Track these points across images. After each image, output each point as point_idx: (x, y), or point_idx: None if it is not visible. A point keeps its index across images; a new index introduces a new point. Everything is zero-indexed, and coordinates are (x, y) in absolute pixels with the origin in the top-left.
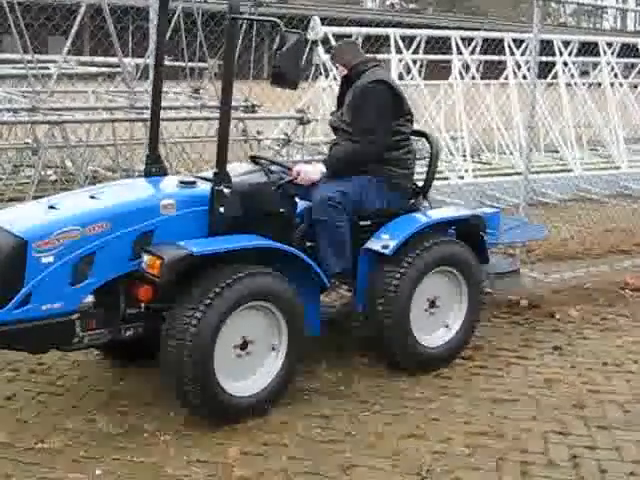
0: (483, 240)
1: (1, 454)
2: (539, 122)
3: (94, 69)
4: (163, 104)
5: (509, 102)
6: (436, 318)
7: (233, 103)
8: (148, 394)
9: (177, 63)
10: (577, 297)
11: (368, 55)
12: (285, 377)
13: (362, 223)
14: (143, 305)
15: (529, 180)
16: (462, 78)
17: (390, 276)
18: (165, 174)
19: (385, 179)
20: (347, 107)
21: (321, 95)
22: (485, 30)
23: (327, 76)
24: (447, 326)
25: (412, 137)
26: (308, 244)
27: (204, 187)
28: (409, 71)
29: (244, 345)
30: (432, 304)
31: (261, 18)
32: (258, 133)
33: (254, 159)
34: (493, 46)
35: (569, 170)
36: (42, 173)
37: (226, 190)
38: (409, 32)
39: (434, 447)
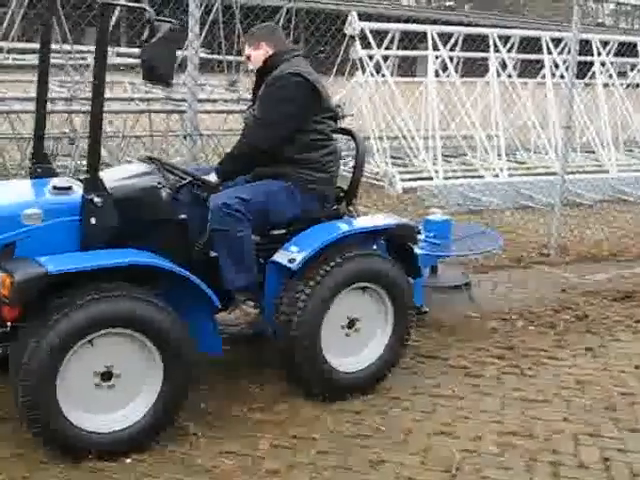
0: (413, 252)
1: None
2: (576, 122)
3: (131, 60)
4: (201, 96)
5: (546, 101)
6: (356, 340)
7: None
8: None
9: (214, 56)
10: (610, 299)
11: (291, 44)
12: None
13: (275, 232)
14: (9, 324)
15: (565, 180)
16: (499, 76)
17: (297, 294)
18: (53, 175)
19: (300, 184)
20: (258, 101)
21: (357, 90)
22: (522, 28)
23: (364, 71)
24: (369, 349)
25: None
26: (214, 254)
27: (79, 194)
28: (445, 68)
29: (106, 376)
30: (351, 325)
31: (130, 4)
32: None
33: (150, 160)
34: (531, 45)
35: (605, 171)
36: (78, 162)
37: (97, 199)
38: (446, 29)
39: (464, 445)
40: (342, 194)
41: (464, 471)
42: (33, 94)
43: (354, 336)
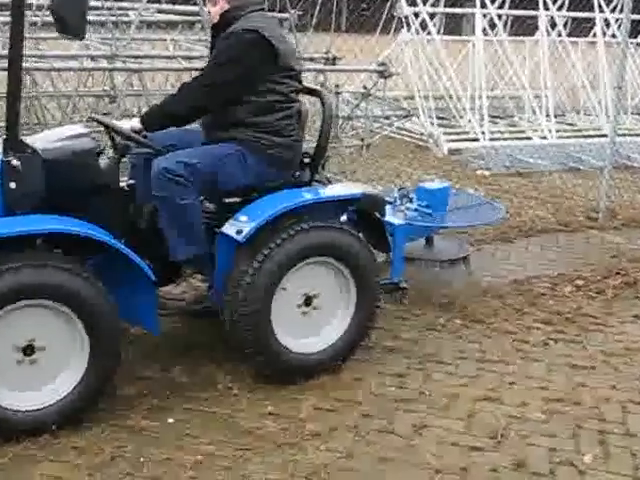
0: (381, 224)
1: None
2: (627, 83)
3: (174, 17)
4: None
5: (596, 61)
6: (315, 320)
7: (314, 55)
8: (220, 348)
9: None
10: None
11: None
12: None
13: (228, 200)
14: None
15: (615, 143)
16: (548, 35)
17: (244, 268)
18: None
19: (252, 148)
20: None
21: (402, 49)
22: None
23: (409, 29)
24: (330, 329)
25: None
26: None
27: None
28: (493, 26)
29: (28, 350)
30: (308, 302)
31: None
32: (337, 86)
33: (93, 121)
34: (582, 2)
35: None
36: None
37: (16, 162)
38: None
39: (509, 411)
40: (308, 160)
41: (509, 437)
42: (74, 51)
43: (312, 315)
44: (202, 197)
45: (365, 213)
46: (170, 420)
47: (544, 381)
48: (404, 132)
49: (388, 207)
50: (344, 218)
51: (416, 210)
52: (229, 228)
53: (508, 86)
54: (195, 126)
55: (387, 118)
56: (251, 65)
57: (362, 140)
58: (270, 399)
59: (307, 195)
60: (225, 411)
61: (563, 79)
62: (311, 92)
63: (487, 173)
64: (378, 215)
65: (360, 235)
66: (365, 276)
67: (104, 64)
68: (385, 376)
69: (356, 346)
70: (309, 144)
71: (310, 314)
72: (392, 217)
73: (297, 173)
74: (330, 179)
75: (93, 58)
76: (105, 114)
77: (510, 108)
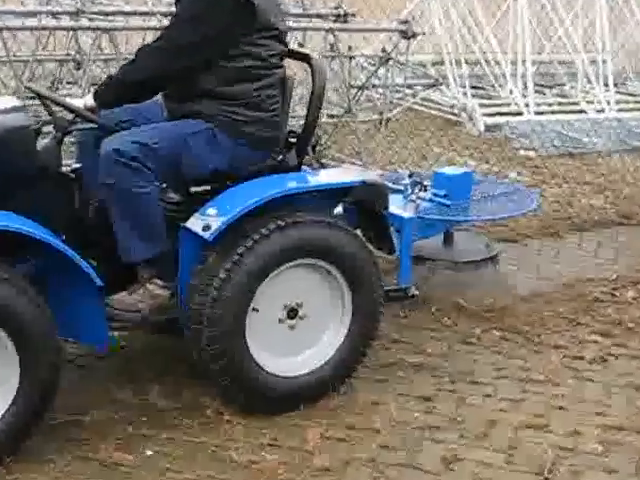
0: (384, 221)
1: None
2: None
3: None
4: None
5: None
6: (301, 336)
7: (321, 10)
8: None
9: None
10: None
11: None
12: None
13: (196, 190)
14: None
15: None
16: None
17: (212, 272)
18: None
19: (225, 125)
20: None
21: (430, 3)
22: None
23: None
24: (319, 347)
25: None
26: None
27: None
28: None
29: None
30: (293, 314)
31: None
32: (350, 49)
33: (31, 91)
34: None
35: None
36: (86, 91)
37: None
38: None
39: (559, 441)
40: (294, 140)
41: (559, 473)
42: (31, 7)
43: (298, 330)
44: (163, 185)
45: (365, 205)
46: (148, 452)
47: (601, 405)
48: (431, 104)
49: (398, 197)
50: (339, 211)
51: (431, 200)
52: (195, 223)
53: (557, 49)
54: (157, 99)
55: (410, 87)
56: (221, 23)
57: (380, 114)
58: (269, 427)
59: (292, 183)
60: (214, 441)
61: (624, 40)
62: (298, 56)
63: (532, 154)
64: (380, 208)
65: (357, 232)
66: (363, 282)
67: (68, 22)
68: (409, 399)
69: (353, 367)
70: (299, 121)
71: (295, 329)
72: (401, 209)
73: (280, 156)
74: (324, 163)
75: (55, 15)
76: (70, 83)
77: (560, 75)
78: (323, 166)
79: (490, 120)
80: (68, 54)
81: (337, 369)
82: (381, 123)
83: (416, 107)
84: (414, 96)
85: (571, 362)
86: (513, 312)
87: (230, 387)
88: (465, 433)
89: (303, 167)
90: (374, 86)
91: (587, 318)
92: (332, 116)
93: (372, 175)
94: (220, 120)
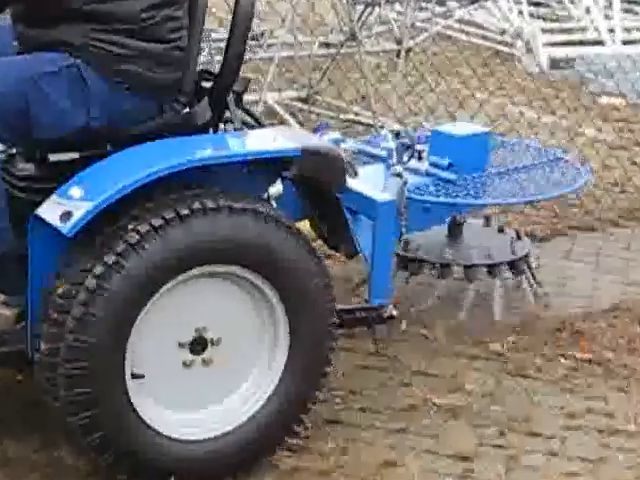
0: (339, 207)
1: None
2: None
3: None
4: None
5: None
6: (212, 378)
7: None
8: None
9: None
10: None
11: None
12: None
13: (55, 158)
14: None
15: None
16: None
17: (78, 279)
18: None
19: (101, 61)
20: None
21: None
22: None
23: None
24: (242, 394)
25: None
26: None
27: None
28: None
29: None
30: (200, 347)
31: None
32: None
33: None
34: None
35: None
36: None
37: None
38: None
39: None
40: (209, 85)
41: None
42: None
43: (207, 371)
44: (11, 151)
45: (312, 185)
46: None
47: None
48: (472, 29)
49: (378, 169)
50: (276, 193)
51: (428, 174)
52: (50, 209)
53: None
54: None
55: (442, 3)
56: None
57: (398, 43)
58: None
59: (200, 150)
60: None
61: None
62: None
63: (619, 102)
64: (334, 188)
65: (295, 225)
66: (305, 299)
67: None
68: (438, 458)
69: (291, 425)
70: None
71: (204, 370)
72: (377, 187)
73: (186, 108)
74: (260, 119)
75: None
76: None
77: None
78: (260, 124)
79: (557, 52)
80: None
81: (267, 429)
82: (399, 55)
83: (450, 33)
84: (446, 17)
85: None
86: (588, 332)
87: (101, 453)
88: None
89: (222, 126)
90: (388, 1)
91: None
92: (327, 45)
93: (321, 140)
94: (90, 53)
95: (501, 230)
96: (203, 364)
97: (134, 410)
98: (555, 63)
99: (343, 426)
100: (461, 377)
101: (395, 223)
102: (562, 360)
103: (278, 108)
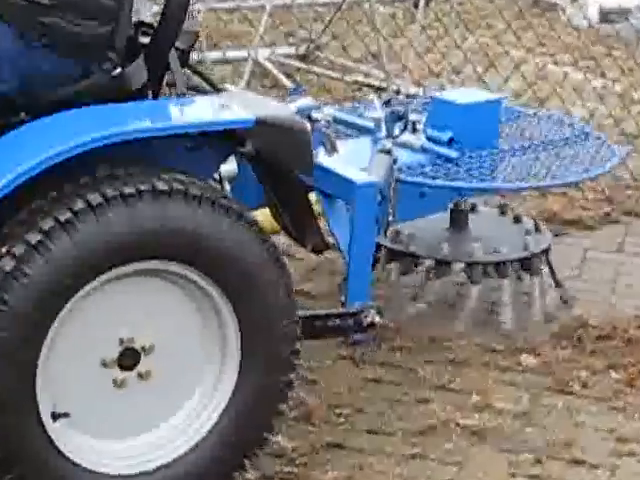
0: (302, 191)
1: None
2: None
3: None
4: None
5: None
6: (146, 400)
7: None
8: None
9: None
10: None
11: None
12: None
13: None
14: None
15: None
16: None
17: None
18: None
19: (6, 12)
20: None
21: None
22: None
23: None
24: (183, 419)
25: None
26: None
27: None
28: None
29: None
30: (130, 363)
31: None
32: None
33: None
34: None
35: None
36: None
37: None
38: None
39: None
40: (147, 41)
41: None
42: None
43: (140, 391)
44: None
45: (271, 164)
46: None
47: None
48: None
49: (363, 143)
50: (229, 172)
51: (425, 150)
52: None
53: None
54: None
55: None
56: None
57: None
58: None
59: (131, 121)
60: None
61: None
62: None
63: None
64: (297, 169)
65: (249, 213)
66: (260, 305)
67: None
68: None
69: (246, 455)
70: None
71: (135, 390)
72: (358, 167)
73: (117, 69)
74: (214, 82)
75: None
76: None
77: None
78: (216, 88)
79: (609, 1)
80: None
81: (214, 460)
82: (417, 6)
83: None
84: None
85: None
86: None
87: None
88: None
89: (168, 92)
90: None
91: None
92: None
93: (283, 108)
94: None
95: (517, 220)
96: (137, 382)
97: (49, 439)
98: (606, 15)
99: (347, 451)
100: (490, 393)
101: (377, 210)
102: (612, 374)
103: (271, 67)
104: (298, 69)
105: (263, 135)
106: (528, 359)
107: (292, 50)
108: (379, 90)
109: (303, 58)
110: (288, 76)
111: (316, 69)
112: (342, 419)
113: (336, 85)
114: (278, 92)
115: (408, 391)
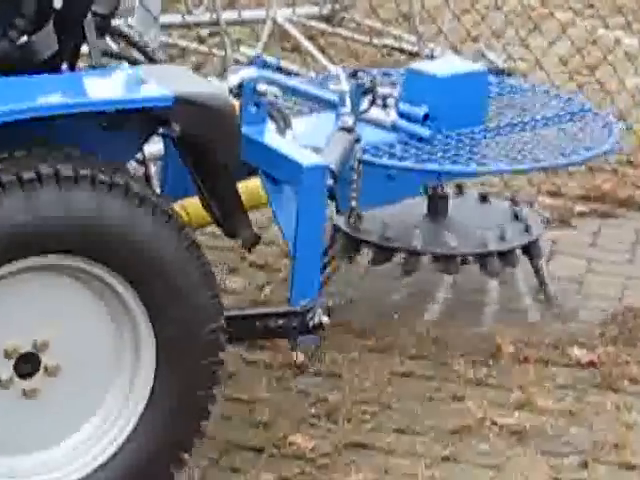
0: (228, 178)
1: None
2: None
3: None
4: None
5: None
6: (48, 409)
7: None
8: None
9: None
10: None
11: None
12: None
13: None
14: None
15: None
16: None
17: None
18: None
19: None
20: None
21: None
22: None
23: None
24: (88, 433)
25: None
26: None
27: None
28: None
29: None
30: (31, 368)
31: None
32: None
33: None
34: None
35: None
36: None
37: None
38: None
39: None
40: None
41: None
42: None
43: (41, 400)
44: None
45: (195, 147)
46: None
47: None
48: None
49: (326, 118)
50: (153, 156)
51: (395, 128)
52: None
53: None
54: None
55: None
56: None
57: None
58: None
59: (33, 97)
60: None
61: None
62: None
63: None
64: (224, 153)
65: (165, 203)
66: (179, 305)
67: None
68: None
69: (164, 472)
70: None
71: (35, 398)
72: (312, 147)
73: (24, 36)
74: (149, 52)
75: None
76: None
77: None
78: (151, 58)
79: None
80: None
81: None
82: None
83: None
84: None
85: None
86: None
87: None
88: None
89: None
90: None
91: None
92: None
93: (207, 84)
94: None
95: (515, 204)
96: (38, 390)
97: None
98: None
99: (373, 452)
100: (531, 390)
101: (326, 195)
102: None
103: (292, 29)
104: (322, 32)
105: (184, 114)
106: (573, 352)
107: (315, 10)
108: (411, 55)
109: (327, 19)
110: (311, 39)
111: (342, 32)
112: (367, 417)
113: (364, 50)
114: (300, 57)
115: (440, 386)
